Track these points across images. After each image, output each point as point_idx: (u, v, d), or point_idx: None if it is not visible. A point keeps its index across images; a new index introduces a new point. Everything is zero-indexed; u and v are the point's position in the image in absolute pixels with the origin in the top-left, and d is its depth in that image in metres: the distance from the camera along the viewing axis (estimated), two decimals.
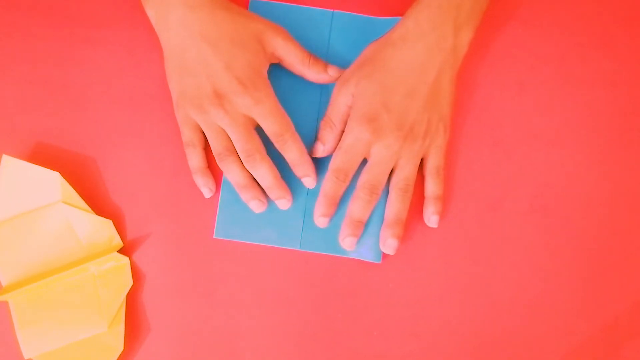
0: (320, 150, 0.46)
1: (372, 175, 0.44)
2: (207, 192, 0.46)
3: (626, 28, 0.49)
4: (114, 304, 0.44)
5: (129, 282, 0.45)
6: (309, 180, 0.45)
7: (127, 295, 0.45)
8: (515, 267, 0.46)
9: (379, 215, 0.46)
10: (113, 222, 0.46)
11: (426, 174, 0.46)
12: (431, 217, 0.46)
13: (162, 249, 0.46)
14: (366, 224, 0.46)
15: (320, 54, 0.47)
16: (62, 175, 0.45)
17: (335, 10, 0.48)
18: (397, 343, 0.46)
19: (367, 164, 0.45)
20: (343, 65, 0.47)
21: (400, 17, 0.47)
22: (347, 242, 0.45)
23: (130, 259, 0.46)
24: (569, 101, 0.48)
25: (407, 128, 0.43)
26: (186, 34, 0.43)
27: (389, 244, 0.45)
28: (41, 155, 0.47)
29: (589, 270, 0.46)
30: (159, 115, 0.47)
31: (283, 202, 0.45)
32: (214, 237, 0.46)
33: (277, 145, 0.44)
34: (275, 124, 0.43)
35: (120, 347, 0.44)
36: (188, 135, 0.45)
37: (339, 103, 0.45)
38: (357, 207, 0.44)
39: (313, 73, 0.46)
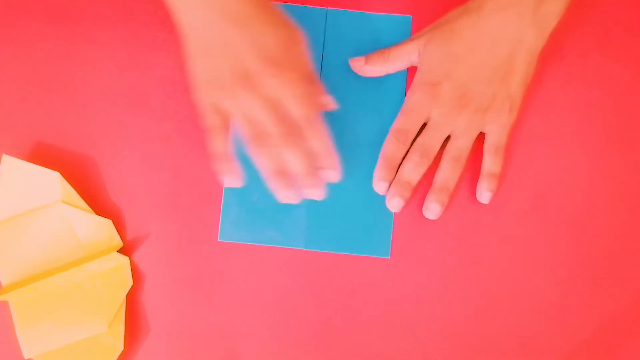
0: (359, 64, 0.46)
1: (426, 138, 0.44)
2: (231, 181, 0.42)
3: (626, 28, 0.49)
4: (113, 303, 0.44)
5: (128, 282, 0.45)
6: (333, 175, 0.42)
7: (127, 295, 0.45)
8: (515, 267, 0.46)
9: (387, 210, 0.46)
10: (113, 222, 0.46)
11: (484, 150, 0.45)
12: (483, 193, 0.45)
13: (162, 249, 0.46)
14: (374, 219, 0.46)
15: (316, 53, 0.47)
16: (62, 175, 0.45)
17: (329, 8, 0.48)
18: (397, 343, 0.46)
19: (425, 129, 0.45)
20: (339, 62, 0.47)
21: (395, 15, 0.47)
22: (393, 202, 0.45)
23: (130, 259, 0.46)
24: (569, 101, 0.48)
25: (467, 99, 0.43)
26: (210, 15, 0.39)
27: (431, 208, 0.45)
28: (41, 155, 0.47)
29: (589, 270, 0.46)
30: (159, 115, 0.47)
31: (315, 193, 0.42)
32: (218, 240, 0.46)
33: (305, 131, 0.41)
34: (306, 108, 0.40)
35: (120, 347, 0.44)
36: (213, 119, 0.41)
37: (404, 51, 0.45)
38: (407, 167, 0.44)
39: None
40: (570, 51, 0.48)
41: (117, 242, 0.46)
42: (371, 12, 0.48)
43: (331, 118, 0.45)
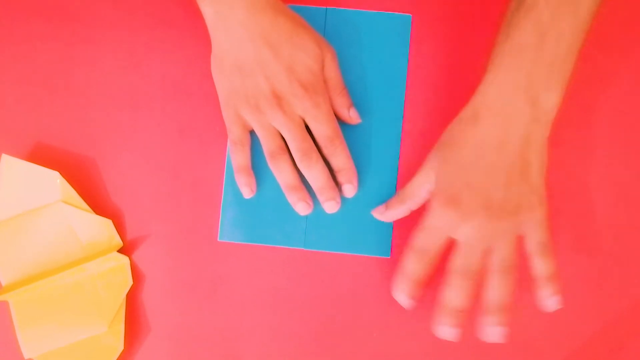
0: (380, 211, 0.45)
1: (463, 258, 0.41)
2: (247, 192, 0.45)
3: (626, 28, 0.49)
4: (113, 304, 0.44)
5: (128, 282, 0.45)
6: (350, 189, 0.45)
7: (127, 295, 0.45)
8: (515, 267, 0.46)
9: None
10: (113, 222, 0.46)
11: (531, 254, 0.42)
12: (550, 300, 0.42)
13: (162, 249, 0.46)
14: (374, 219, 0.46)
15: None
16: (62, 175, 0.45)
17: (329, 7, 0.48)
18: (397, 343, 0.46)
19: (457, 249, 0.42)
20: (341, 61, 0.46)
21: (395, 13, 0.47)
22: (447, 332, 0.42)
23: (130, 259, 0.46)
24: (569, 101, 0.48)
25: (495, 206, 0.40)
26: (246, 35, 0.42)
27: (497, 332, 0.41)
28: (41, 155, 0.47)
29: (590, 270, 0.46)
30: (159, 115, 0.47)
31: (332, 205, 0.45)
32: (218, 240, 0.46)
33: (326, 150, 0.44)
34: (329, 129, 0.44)
35: (120, 347, 0.44)
36: (237, 133, 0.45)
37: (416, 184, 0.44)
38: (453, 294, 0.41)
39: (337, 104, 0.45)
40: None
41: (117, 242, 0.46)
42: (370, 11, 0.48)
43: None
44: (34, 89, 0.48)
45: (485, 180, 0.41)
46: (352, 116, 0.46)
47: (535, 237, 0.42)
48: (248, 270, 0.46)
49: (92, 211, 0.45)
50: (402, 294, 0.43)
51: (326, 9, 0.48)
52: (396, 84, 0.47)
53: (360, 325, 0.46)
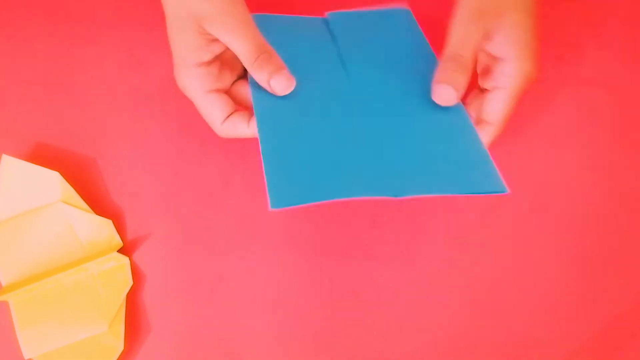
0: (454, 97, 0.38)
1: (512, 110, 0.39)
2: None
3: (626, 28, 0.49)
4: (114, 303, 0.44)
5: (129, 282, 0.45)
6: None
7: (127, 295, 0.45)
8: (515, 267, 0.46)
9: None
10: (113, 222, 0.46)
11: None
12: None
13: (162, 249, 0.46)
14: (462, 146, 0.38)
15: (335, 64, 0.43)
16: (62, 175, 0.45)
17: (329, 13, 0.46)
18: (397, 343, 0.46)
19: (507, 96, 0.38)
20: (367, 64, 0.42)
21: (394, 8, 0.46)
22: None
23: (130, 259, 0.46)
24: (569, 101, 0.48)
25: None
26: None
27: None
28: (41, 155, 0.47)
29: (589, 270, 0.46)
30: (159, 115, 0.47)
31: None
32: (270, 209, 0.32)
33: None
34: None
35: (120, 347, 0.44)
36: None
37: (473, 36, 0.37)
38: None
39: (258, 76, 0.38)
40: (570, 51, 0.48)
41: (117, 242, 0.46)
42: (369, 9, 0.47)
43: (367, 112, 0.39)
44: (34, 89, 0.48)
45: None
46: (273, 87, 0.38)
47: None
48: (249, 270, 0.46)
49: (92, 211, 0.45)
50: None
51: (327, 17, 0.46)
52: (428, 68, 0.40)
53: (360, 325, 0.46)
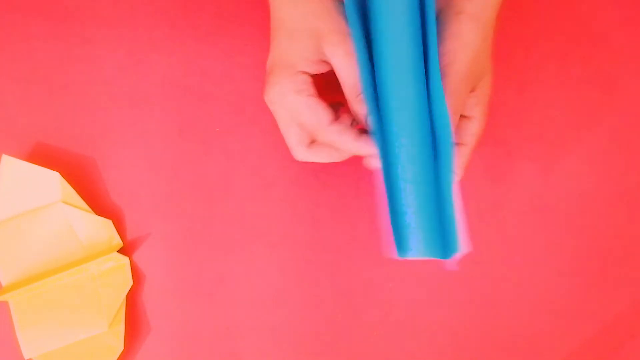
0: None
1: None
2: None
3: (626, 28, 0.49)
4: (114, 304, 0.44)
5: (129, 282, 0.45)
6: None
7: (127, 295, 0.45)
8: (515, 267, 0.46)
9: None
10: (113, 222, 0.46)
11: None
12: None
13: (162, 249, 0.46)
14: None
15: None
16: (62, 175, 0.45)
17: None
18: (397, 343, 0.46)
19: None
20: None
21: None
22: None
23: (130, 259, 0.46)
24: (569, 101, 0.48)
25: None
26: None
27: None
28: (41, 155, 0.47)
29: (589, 270, 0.46)
30: (159, 115, 0.47)
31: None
32: (398, 256, 0.35)
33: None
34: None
35: (120, 347, 0.44)
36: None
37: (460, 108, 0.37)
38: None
39: (355, 108, 0.37)
40: (570, 51, 0.48)
41: (117, 242, 0.46)
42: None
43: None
44: (34, 89, 0.48)
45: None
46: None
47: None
48: (249, 270, 0.46)
49: (92, 211, 0.45)
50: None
51: None
52: None
53: (360, 325, 0.46)
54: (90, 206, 0.46)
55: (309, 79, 0.36)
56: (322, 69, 0.37)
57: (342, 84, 0.37)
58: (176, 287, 0.46)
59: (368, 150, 0.36)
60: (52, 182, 0.45)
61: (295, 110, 0.36)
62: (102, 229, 0.45)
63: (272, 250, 0.46)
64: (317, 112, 0.36)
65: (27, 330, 0.44)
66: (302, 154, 0.38)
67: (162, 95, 0.47)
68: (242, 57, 0.48)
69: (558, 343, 0.46)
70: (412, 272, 0.46)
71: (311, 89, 0.36)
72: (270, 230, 0.47)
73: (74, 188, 0.45)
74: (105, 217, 0.46)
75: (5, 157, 0.45)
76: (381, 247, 0.46)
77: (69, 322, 0.44)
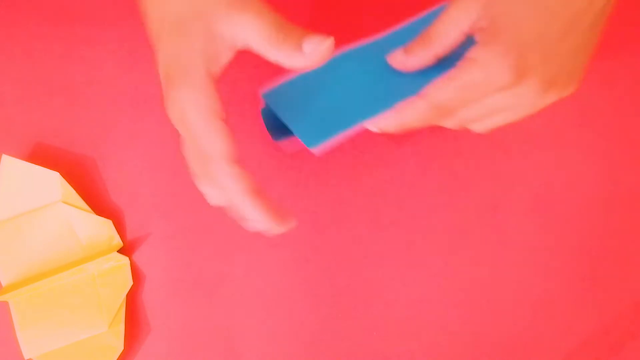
0: (399, 60, 0.34)
1: (476, 115, 0.33)
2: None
3: (626, 28, 0.49)
4: (114, 304, 0.44)
5: (129, 282, 0.45)
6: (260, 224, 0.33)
7: (127, 295, 0.45)
8: (515, 267, 0.46)
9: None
10: (113, 222, 0.46)
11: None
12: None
13: (162, 249, 0.46)
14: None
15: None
16: (62, 175, 0.45)
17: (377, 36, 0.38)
18: (397, 343, 0.46)
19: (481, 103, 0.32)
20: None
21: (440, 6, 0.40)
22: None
23: (130, 259, 0.46)
24: (569, 101, 0.48)
25: (550, 76, 0.32)
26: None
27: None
28: (41, 155, 0.47)
29: (589, 270, 0.46)
30: (159, 115, 0.47)
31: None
32: (310, 148, 0.35)
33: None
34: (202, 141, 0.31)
35: (120, 347, 0.44)
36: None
37: (450, 20, 0.32)
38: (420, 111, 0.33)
39: (287, 46, 0.30)
40: None
41: (117, 242, 0.46)
42: (421, 16, 0.40)
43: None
44: (34, 89, 0.48)
45: (562, 33, 0.31)
46: (309, 55, 0.31)
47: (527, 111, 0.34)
48: (248, 270, 0.46)
49: (92, 211, 0.45)
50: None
51: (377, 39, 0.39)
52: None
53: (360, 325, 0.46)
54: (90, 206, 0.46)
55: (214, 88, 0.30)
56: (227, 58, 0.31)
57: (254, 45, 0.31)
58: (176, 287, 0.46)
59: (257, 214, 0.32)
60: (52, 182, 0.45)
61: (194, 131, 0.31)
62: (102, 229, 0.45)
63: (272, 250, 0.46)
64: (215, 142, 0.31)
65: (27, 330, 0.44)
66: (228, 170, 0.31)
67: (162, 95, 0.47)
68: (241, 57, 0.48)
69: (558, 343, 0.46)
70: (412, 272, 0.46)
71: (218, 105, 0.31)
72: None
73: (74, 188, 0.45)
74: (105, 217, 0.46)
75: (5, 157, 0.45)
76: (380, 249, 0.46)
77: (69, 322, 0.44)
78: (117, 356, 0.44)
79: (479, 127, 0.35)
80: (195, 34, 0.30)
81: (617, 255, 0.46)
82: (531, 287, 0.46)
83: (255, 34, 0.30)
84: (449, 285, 0.46)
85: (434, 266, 0.46)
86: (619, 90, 0.48)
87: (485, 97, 0.32)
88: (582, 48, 0.32)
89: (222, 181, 0.31)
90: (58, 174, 0.45)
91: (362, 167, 0.47)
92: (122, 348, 0.44)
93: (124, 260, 0.45)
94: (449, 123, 0.35)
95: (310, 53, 0.30)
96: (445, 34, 0.32)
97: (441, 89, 0.32)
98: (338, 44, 0.35)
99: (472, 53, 0.31)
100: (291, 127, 0.35)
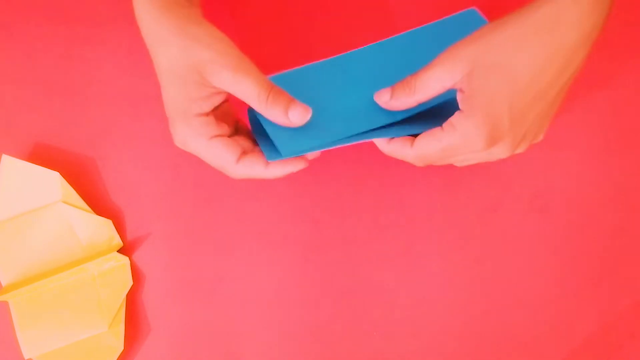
0: (383, 100, 0.38)
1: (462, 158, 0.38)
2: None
3: (626, 28, 0.49)
4: (114, 304, 0.44)
5: (129, 282, 0.45)
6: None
7: (127, 295, 0.45)
8: (515, 267, 0.46)
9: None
10: (113, 222, 0.46)
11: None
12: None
13: (162, 249, 0.46)
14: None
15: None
16: (62, 175, 0.45)
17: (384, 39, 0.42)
18: (397, 343, 0.46)
19: (448, 150, 0.36)
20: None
21: (460, 12, 0.43)
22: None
23: (130, 259, 0.46)
24: (569, 101, 0.48)
25: (520, 135, 0.36)
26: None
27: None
28: (41, 155, 0.47)
29: (589, 271, 0.46)
30: (159, 115, 0.47)
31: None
32: (275, 159, 0.38)
33: None
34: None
35: (120, 347, 0.44)
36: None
37: (434, 76, 0.36)
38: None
39: (274, 112, 0.36)
40: None
41: (117, 242, 0.46)
42: (432, 22, 0.43)
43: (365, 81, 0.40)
44: (34, 89, 0.48)
45: (529, 104, 0.35)
46: (293, 119, 0.37)
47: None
48: (248, 270, 0.46)
49: (92, 211, 0.45)
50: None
51: (382, 41, 0.42)
52: None
53: (360, 325, 0.46)
54: (90, 206, 0.46)
55: (207, 120, 0.37)
56: (219, 100, 0.37)
57: (245, 101, 0.37)
58: (176, 287, 0.46)
59: (280, 173, 0.38)
60: (52, 182, 0.45)
61: (199, 154, 0.38)
62: (102, 229, 0.45)
63: (272, 250, 0.46)
64: (220, 155, 0.37)
65: (27, 330, 0.44)
66: (233, 172, 0.38)
67: (162, 96, 0.47)
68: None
69: (558, 342, 0.46)
70: (412, 272, 0.46)
71: (211, 130, 0.37)
72: (270, 230, 0.47)
73: (74, 188, 0.45)
74: (105, 217, 0.46)
75: (5, 157, 0.45)
76: (381, 249, 0.46)
77: (69, 322, 0.44)
78: (117, 356, 0.44)
79: (458, 165, 0.40)
80: (191, 83, 0.36)
81: (617, 255, 0.46)
82: (531, 287, 0.46)
83: (247, 94, 0.36)
84: (449, 285, 0.46)
85: (434, 266, 0.46)
86: (619, 91, 0.48)
87: (463, 155, 0.37)
88: (548, 112, 0.37)
89: (243, 174, 0.38)
90: (58, 174, 0.45)
91: (362, 167, 0.47)
92: (122, 348, 0.44)
93: (124, 260, 0.45)
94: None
95: (294, 120, 0.37)
96: (428, 87, 0.36)
97: (426, 147, 0.37)
98: (326, 54, 0.41)
99: (454, 119, 0.35)
100: (268, 130, 0.38)
